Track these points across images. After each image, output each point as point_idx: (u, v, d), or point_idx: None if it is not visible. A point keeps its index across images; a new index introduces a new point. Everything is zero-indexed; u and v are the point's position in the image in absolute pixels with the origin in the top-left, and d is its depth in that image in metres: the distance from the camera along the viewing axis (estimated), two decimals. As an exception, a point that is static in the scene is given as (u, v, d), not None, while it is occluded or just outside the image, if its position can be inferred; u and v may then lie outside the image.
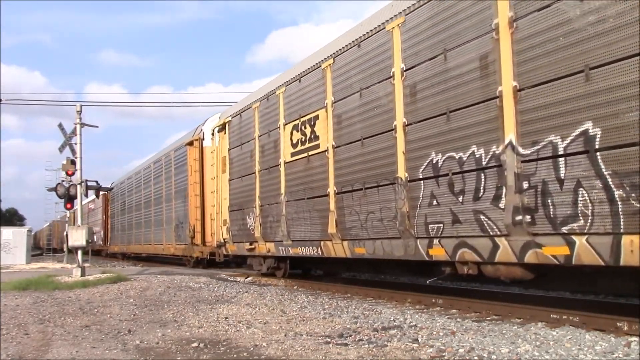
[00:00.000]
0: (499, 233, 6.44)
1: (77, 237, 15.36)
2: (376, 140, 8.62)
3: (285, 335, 6.17)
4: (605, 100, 5.26)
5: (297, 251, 11.07)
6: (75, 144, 16.52)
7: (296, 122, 11.06)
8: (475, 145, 6.77)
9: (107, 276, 14.43)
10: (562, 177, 5.66)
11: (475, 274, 7.11)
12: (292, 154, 11.17)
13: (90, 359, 5.36)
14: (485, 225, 6.61)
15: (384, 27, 8.47)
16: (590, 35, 5.45)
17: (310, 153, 10.50)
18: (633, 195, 5.01)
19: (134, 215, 27.28)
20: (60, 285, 12.99)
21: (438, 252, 7.41)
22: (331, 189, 9.76)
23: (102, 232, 36.17)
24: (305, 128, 10.75)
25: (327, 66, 10.03)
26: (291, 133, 11.26)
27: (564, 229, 5.64)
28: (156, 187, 23.31)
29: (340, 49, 9.70)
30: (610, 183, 5.20)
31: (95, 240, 35.51)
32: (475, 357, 4.96)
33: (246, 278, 14.45)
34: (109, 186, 34.11)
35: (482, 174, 6.66)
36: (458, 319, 7.10)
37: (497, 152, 6.45)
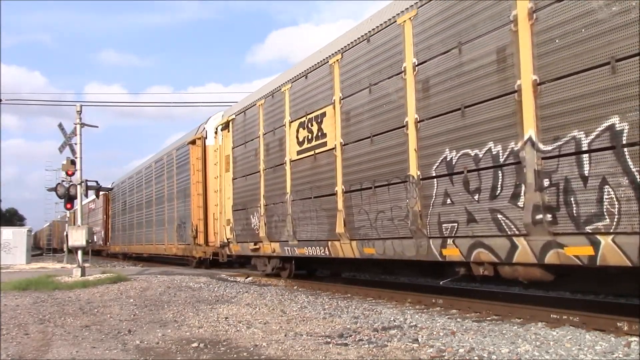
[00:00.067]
0: (517, 233, 6.20)
1: (77, 237, 15.33)
2: (386, 138, 8.37)
3: (285, 335, 6.14)
4: (634, 93, 5.02)
5: (303, 251, 10.83)
6: (75, 144, 16.48)
7: (302, 119, 10.82)
8: (492, 142, 6.52)
9: (107, 276, 14.38)
10: (586, 174, 5.42)
11: (491, 275, 6.86)
12: (299, 152, 10.93)
13: (90, 359, 5.33)
14: (503, 224, 6.36)
15: (395, 21, 8.23)
16: (616, 26, 5.21)
17: (317, 151, 10.25)
18: (664, 192, 4.78)
19: (135, 215, 27.03)
20: (60, 285, 12.94)
21: (452, 253, 7.17)
22: (339, 188, 9.52)
23: (102, 232, 35.93)
24: (312, 125, 10.51)
25: (334, 62, 9.79)
26: (297, 131, 11.02)
27: (588, 229, 5.40)
28: (158, 186, 23.06)
29: (348, 44, 9.46)
30: (639, 180, 4.96)
31: (95, 240, 35.32)
32: (475, 357, 4.93)
33: (246, 278, 14.39)
34: (109, 186, 33.94)
35: (500, 172, 6.41)
36: (458, 319, 7.06)
37: (515, 148, 6.21)
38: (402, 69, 8.03)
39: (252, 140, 13.08)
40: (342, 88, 9.57)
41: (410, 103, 7.87)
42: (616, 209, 5.15)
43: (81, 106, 16.61)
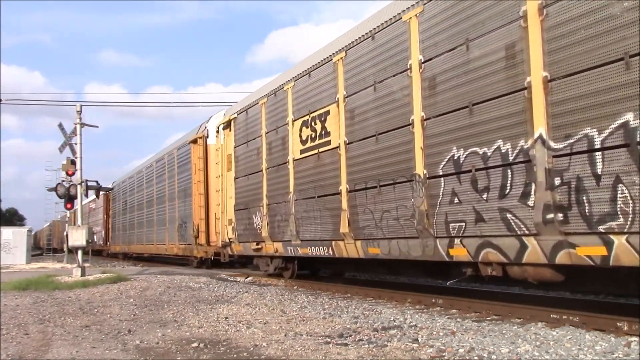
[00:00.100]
0: (527, 232, 6.08)
1: (77, 237, 15.31)
2: (392, 136, 8.26)
3: (285, 335, 6.12)
4: (649, 90, 4.91)
5: (306, 251, 10.71)
6: (75, 144, 16.50)
7: (306, 117, 10.70)
8: (501, 140, 6.41)
9: (107, 276, 14.36)
10: (599, 173, 5.30)
11: (499, 276, 6.75)
12: (302, 151, 10.81)
13: (90, 359, 5.32)
14: (512, 224, 6.25)
15: (400, 18, 8.11)
16: (630, 21, 5.10)
17: (321, 150, 10.14)
18: (680, 191, 4.66)
19: (136, 214, 26.91)
20: (60, 285, 12.90)
21: (459, 253, 7.05)
22: (343, 187, 9.40)
23: (103, 232, 35.81)
24: (315, 124, 10.39)
25: (338, 59, 9.67)
26: (300, 129, 10.91)
27: (601, 228, 5.28)
28: (159, 186, 22.94)
29: (352, 42, 9.34)
30: (654, 178, 4.84)
31: (95, 240, 35.22)
32: (475, 357, 4.91)
33: (246, 278, 14.35)
34: (110, 186, 33.85)
35: (509, 170, 6.30)
36: (458, 319, 7.03)
37: (525, 146, 6.09)
38: (408, 67, 7.92)
39: (254, 139, 12.96)
40: (346, 86, 9.45)
41: (416, 101, 7.75)
42: (630, 208, 5.04)
43: (81, 106, 16.62)
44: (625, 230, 5.08)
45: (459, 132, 7.00)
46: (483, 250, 6.68)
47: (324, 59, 10.16)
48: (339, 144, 9.55)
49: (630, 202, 5.04)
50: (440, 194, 7.29)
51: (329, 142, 9.91)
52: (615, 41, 5.20)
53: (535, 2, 5.99)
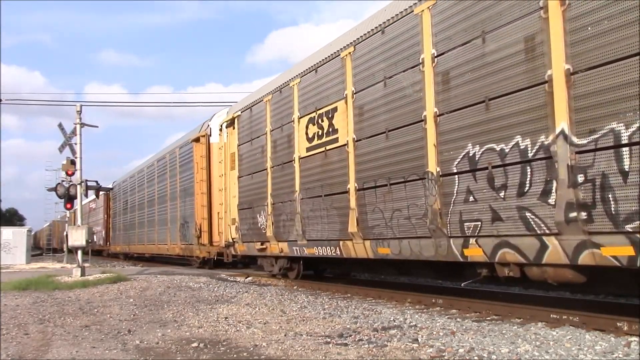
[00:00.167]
0: (547, 232, 5.84)
1: (77, 237, 15.30)
2: (403, 133, 8.02)
3: (285, 335, 6.11)
4: (681, 82, 4.67)
5: (312, 251, 10.47)
6: (75, 144, 16.48)
7: (312, 115, 10.46)
8: (519, 136, 6.16)
9: (107, 276, 14.34)
10: (627, 169, 5.06)
11: (517, 277, 6.50)
12: (308, 149, 10.57)
13: (90, 359, 5.32)
14: (532, 223, 6.00)
15: (412, 11, 7.87)
16: (659, 10, 4.85)
17: (328, 147, 9.90)
18: None
19: (137, 214, 26.66)
20: (60, 285, 12.88)
21: (475, 253, 6.81)
22: (352, 186, 9.16)
23: (103, 232, 35.55)
24: (322, 121, 10.15)
25: (346, 55, 9.43)
26: (307, 127, 10.66)
27: (629, 227, 5.04)
28: (160, 185, 22.69)
29: (361, 36, 9.10)
30: (686, 175, 4.60)
31: (95, 240, 35.01)
32: (475, 357, 4.90)
33: (246, 278, 14.28)
34: (110, 185, 33.62)
35: (528, 167, 6.05)
36: (458, 319, 7.01)
37: (546, 142, 5.85)
38: (420, 61, 7.68)
39: (258, 137, 12.72)
40: (354, 82, 9.21)
41: (429, 96, 7.51)
42: (660, 206, 4.80)
43: (81, 106, 16.60)
44: (655, 229, 4.84)
45: (475, 128, 6.76)
46: (500, 251, 6.44)
47: (332, 54, 9.92)
48: (347, 141, 9.31)
49: (661, 199, 4.80)
50: (455, 192, 7.05)
51: (336, 140, 9.67)
52: (643, 31, 4.96)
53: (556, -8, 5.75)
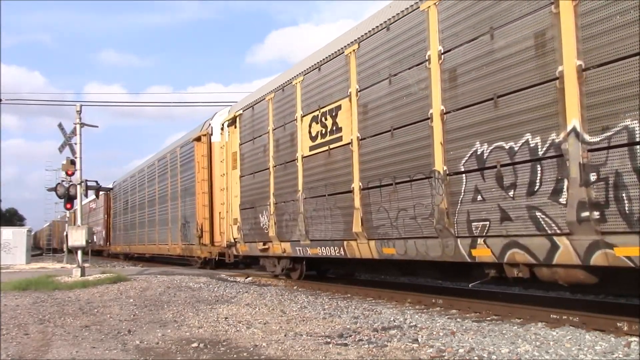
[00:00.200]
0: (558, 232, 5.71)
1: (77, 237, 15.30)
2: (409, 131, 7.89)
3: (285, 336, 6.10)
4: (699, 77, 4.54)
5: (316, 252, 10.34)
6: (75, 144, 16.52)
7: (315, 113, 10.33)
8: (529, 134, 6.04)
9: (107, 276, 14.33)
10: (641, 167, 4.93)
11: (526, 278, 6.37)
12: (311, 148, 10.45)
13: (90, 359, 5.31)
14: (542, 222, 5.88)
15: (418, 7, 7.74)
16: (675, 4, 4.73)
17: (332, 146, 9.77)
18: None
19: (138, 214, 26.52)
20: (60, 285, 12.85)
21: (483, 253, 6.68)
22: (356, 185, 9.03)
23: (103, 232, 35.41)
24: (325, 120, 10.02)
25: (350, 52, 9.31)
26: (310, 125, 10.54)
27: (643, 227, 4.91)
28: (161, 185, 22.56)
29: (365, 34, 8.98)
30: None
31: (95, 240, 34.88)
32: (475, 357, 4.89)
33: (246, 278, 14.25)
34: (110, 185, 33.50)
35: (538, 166, 5.93)
36: (458, 319, 7.00)
37: (557, 140, 5.72)
38: (427, 58, 7.55)
39: (260, 136, 12.59)
40: (359, 80, 9.09)
41: (436, 94, 7.38)
42: (677, 205, 4.67)
43: (81, 106, 16.66)
44: (671, 229, 4.71)
45: (483, 125, 6.63)
46: (509, 251, 6.31)
47: (335, 51, 9.79)
48: (351, 139, 9.18)
49: (677, 198, 4.67)
50: (462, 191, 6.92)
51: (340, 138, 9.55)
52: (659, 26, 4.83)
53: (567, -14, 5.62)
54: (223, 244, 14.89)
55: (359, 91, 9.04)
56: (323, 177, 10.03)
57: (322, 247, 10.09)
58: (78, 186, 16.61)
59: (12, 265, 23.00)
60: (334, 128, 9.73)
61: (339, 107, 9.62)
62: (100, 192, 28.73)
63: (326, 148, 9.93)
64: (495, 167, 6.43)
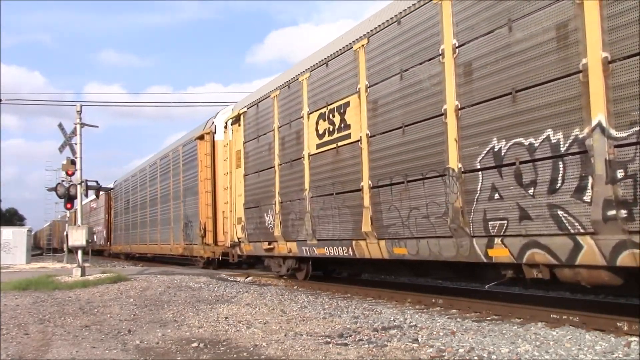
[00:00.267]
0: (582, 231, 5.47)
1: (77, 237, 15.32)
2: (421, 127, 7.66)
3: (285, 335, 6.10)
4: None
5: (323, 251, 10.10)
6: (75, 144, 16.55)
7: (323, 110, 10.10)
8: (550, 129, 5.80)
9: (107, 276, 14.36)
10: (673, 163, 4.70)
11: (546, 279, 6.14)
12: (318, 146, 10.21)
13: (90, 359, 5.31)
14: (564, 221, 5.64)
15: (431, 0, 7.51)
16: None
17: (340, 144, 9.53)
18: None
19: (139, 214, 26.28)
20: (60, 285, 12.88)
21: (500, 253, 6.45)
22: (365, 183, 8.80)
23: (104, 232, 35.17)
24: (333, 117, 9.79)
25: (359, 47, 9.07)
26: (317, 123, 10.30)
27: (675, 226, 4.68)
28: (163, 184, 22.31)
29: (375, 28, 8.74)
30: None
31: (96, 240, 34.70)
32: (475, 357, 4.89)
33: (246, 278, 14.26)
34: (110, 185, 33.29)
35: (561, 162, 5.69)
36: (458, 319, 7.00)
37: (580, 136, 5.49)
38: (440, 52, 7.32)
39: (265, 134, 12.36)
40: (368, 75, 8.85)
41: (450, 89, 7.15)
42: None
43: (81, 106, 16.74)
44: None
45: (500, 121, 6.40)
46: (528, 251, 6.08)
47: (344, 47, 9.56)
48: (360, 137, 8.95)
49: None
50: (478, 189, 6.69)
51: (349, 136, 9.31)
52: (692, 15, 4.61)
53: (592, -25, 5.39)
54: (227, 243, 14.66)
55: (369, 87, 8.81)
56: (331, 175, 9.80)
57: (330, 247, 9.86)
58: (78, 186, 16.63)
59: (12, 265, 23.03)
60: (342, 125, 9.50)
61: (347, 104, 9.38)
62: (101, 192, 28.57)
63: (334, 146, 9.70)
64: (513, 164, 6.20)
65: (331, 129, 9.83)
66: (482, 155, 6.63)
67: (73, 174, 16.87)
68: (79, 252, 15.65)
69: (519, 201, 6.14)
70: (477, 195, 6.70)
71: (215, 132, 16.50)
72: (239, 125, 13.79)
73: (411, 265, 9.21)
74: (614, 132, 5.18)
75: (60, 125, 17.13)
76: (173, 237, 20.56)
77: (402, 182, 7.96)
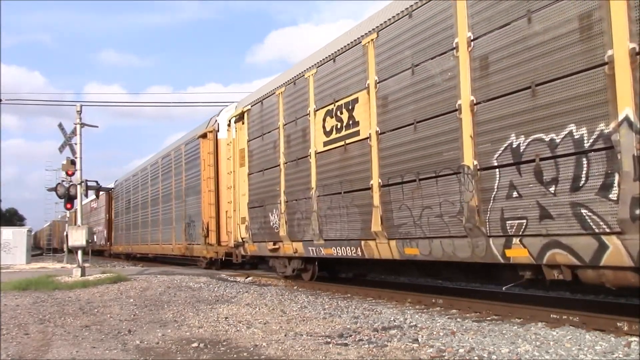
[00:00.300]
0: (607, 230, 5.23)
1: (77, 237, 15.32)
2: (434, 124, 7.41)
3: (285, 335, 6.11)
4: None
5: (330, 252, 9.86)
6: (75, 144, 16.54)
7: (330, 107, 9.86)
8: (573, 124, 5.56)
9: (107, 276, 14.34)
10: None
11: (568, 280, 5.89)
12: (325, 143, 9.97)
13: (90, 359, 5.31)
14: (588, 220, 5.40)
15: (445, -8, 7.27)
16: None
17: (348, 141, 9.29)
18: None
19: (140, 213, 26.02)
20: (60, 285, 12.86)
21: (518, 254, 6.20)
22: (375, 182, 8.55)
23: (105, 232, 34.92)
24: (341, 113, 9.55)
25: (368, 42, 8.83)
26: (324, 120, 10.06)
27: None
28: (164, 183, 22.05)
29: (385, 22, 8.50)
30: None
31: (96, 240, 34.50)
32: (475, 357, 4.89)
33: (246, 278, 14.24)
34: (110, 185, 33.07)
35: (584, 159, 5.45)
36: (458, 319, 6.99)
37: (606, 131, 5.24)
38: (454, 46, 7.08)
39: (270, 132, 12.12)
40: (377, 71, 8.61)
41: (464, 83, 6.91)
42: None
43: (81, 106, 16.73)
44: None
45: (519, 116, 6.16)
46: (549, 251, 5.83)
47: (352, 42, 9.31)
48: (370, 134, 8.71)
49: None
50: (495, 187, 6.45)
51: (357, 133, 9.07)
52: None
53: (618, -37, 5.15)
54: (230, 243, 14.42)
55: (378, 83, 8.57)
56: (338, 173, 9.56)
57: (337, 247, 9.61)
58: (78, 186, 16.59)
59: (12, 265, 22.99)
60: (351, 122, 9.25)
61: (355, 100, 9.14)
62: (101, 192, 28.41)
63: (342, 143, 9.46)
64: (533, 160, 5.96)
65: (339, 126, 9.59)
66: (500, 151, 6.39)
67: (73, 174, 16.82)
68: (79, 252, 15.68)
69: (539, 199, 5.89)
70: (494, 193, 6.46)
71: (218, 131, 16.27)
72: (243, 123, 13.55)
73: (422, 266, 8.96)
74: (642, 127, 4.93)
75: (60, 125, 17.11)
76: (175, 237, 20.31)
77: (414, 180, 7.72)
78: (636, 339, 5.27)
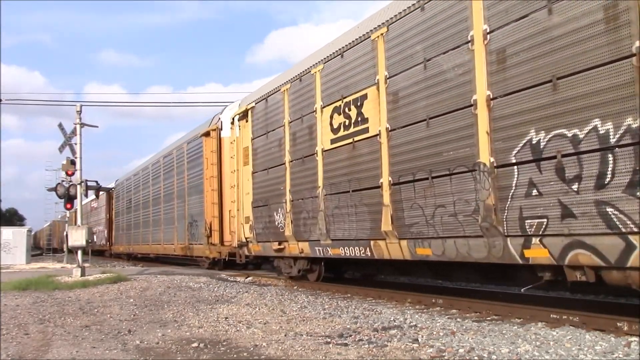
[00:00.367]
0: (635, 230, 5.00)
1: (77, 237, 15.29)
2: (447, 120, 7.18)
3: (285, 335, 6.10)
4: None
5: (338, 252, 9.62)
6: (75, 144, 16.53)
7: (338, 103, 9.62)
8: (598, 119, 5.33)
9: (107, 276, 14.31)
10: None
11: (591, 282, 5.66)
12: (333, 141, 9.73)
13: (90, 359, 5.31)
14: (614, 219, 5.17)
15: (459, -17, 7.03)
16: None
17: (357, 139, 9.06)
18: None
19: (142, 213, 25.78)
20: (60, 285, 12.84)
21: (538, 254, 5.97)
22: (385, 180, 8.32)
23: (105, 232, 34.69)
24: (349, 110, 9.31)
25: (378, 36, 8.59)
26: (331, 117, 9.83)
27: None
28: (166, 182, 21.80)
29: (396, 15, 8.26)
30: None
31: (96, 240, 34.30)
32: (475, 357, 4.88)
33: (246, 278, 14.21)
34: (110, 185, 32.85)
35: (610, 155, 5.21)
36: (458, 319, 6.98)
37: (634, 125, 5.01)
38: (469, 39, 6.84)
39: (275, 129, 11.88)
40: (387, 66, 8.38)
41: (480, 78, 6.68)
42: None
43: (81, 106, 16.75)
44: None
45: (539, 111, 5.92)
46: (571, 252, 5.60)
47: (360, 36, 9.08)
48: (380, 131, 8.47)
49: None
50: (513, 185, 6.21)
51: (366, 130, 8.83)
52: None
53: (646, -51, 4.92)
54: (234, 243, 14.17)
55: (388, 78, 8.34)
56: (346, 172, 9.32)
57: (345, 247, 9.38)
58: (78, 186, 16.54)
59: (12, 265, 22.90)
60: (359, 119, 9.02)
61: (364, 97, 8.91)
62: (101, 192, 28.22)
63: (350, 140, 9.23)
64: (554, 157, 5.72)
65: (347, 123, 9.35)
66: (518, 148, 6.15)
67: (73, 174, 16.78)
68: (79, 252, 15.62)
69: (561, 198, 5.66)
70: (512, 191, 6.22)
71: (221, 129, 16.02)
72: (247, 121, 13.31)
73: (434, 267, 8.73)
74: (674, 121, 4.70)
75: (60, 125, 17.08)
76: (177, 237, 20.06)
77: (427, 178, 7.48)
78: (636, 339, 5.25)
